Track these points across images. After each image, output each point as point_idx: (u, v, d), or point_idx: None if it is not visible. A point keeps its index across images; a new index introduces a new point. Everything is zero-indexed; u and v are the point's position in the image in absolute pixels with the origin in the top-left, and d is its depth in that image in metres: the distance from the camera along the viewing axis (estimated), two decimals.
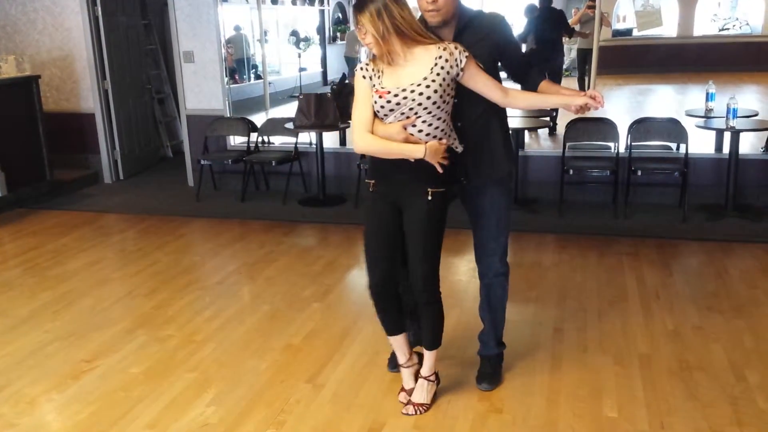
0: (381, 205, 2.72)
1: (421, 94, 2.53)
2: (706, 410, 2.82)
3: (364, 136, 2.60)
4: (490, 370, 3.09)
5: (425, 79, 2.53)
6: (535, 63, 2.93)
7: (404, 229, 2.71)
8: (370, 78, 2.61)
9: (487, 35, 2.74)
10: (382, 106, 2.58)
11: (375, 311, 2.84)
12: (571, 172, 5.56)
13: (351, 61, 12.32)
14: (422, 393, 2.89)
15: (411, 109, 2.55)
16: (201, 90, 6.67)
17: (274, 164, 6.19)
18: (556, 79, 8.16)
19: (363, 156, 3.11)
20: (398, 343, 2.90)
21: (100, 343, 3.57)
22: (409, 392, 2.91)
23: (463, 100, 2.69)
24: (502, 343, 3.15)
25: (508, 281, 3.04)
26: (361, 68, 2.64)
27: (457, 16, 2.70)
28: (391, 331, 2.87)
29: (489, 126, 2.81)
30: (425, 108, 2.55)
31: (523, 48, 9.28)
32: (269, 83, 10.94)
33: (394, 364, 3.09)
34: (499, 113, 2.84)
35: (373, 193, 2.72)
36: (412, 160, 2.58)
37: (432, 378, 2.91)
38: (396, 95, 2.55)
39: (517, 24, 8.48)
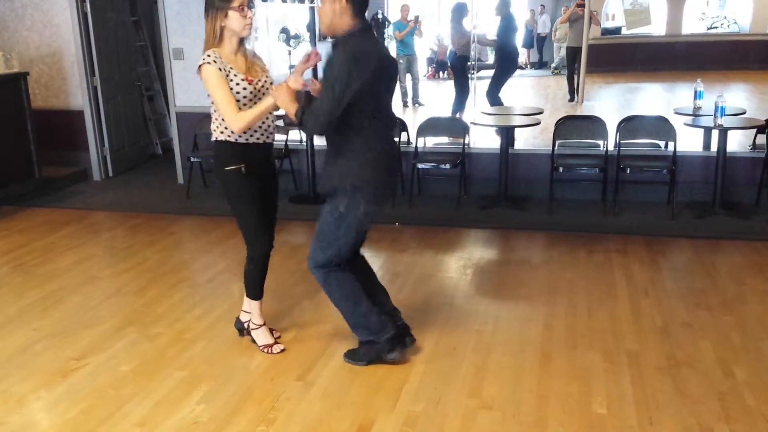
0: (255, 184, 3.20)
1: (268, 82, 3.15)
2: (695, 406, 2.84)
3: (240, 115, 3.00)
4: (356, 349, 3.28)
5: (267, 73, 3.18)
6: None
7: (267, 199, 3.32)
8: (223, 69, 3.02)
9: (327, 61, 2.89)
10: (250, 92, 3.06)
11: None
12: (560, 169, 5.58)
13: None
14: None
15: (264, 95, 3.12)
16: (190, 87, 6.63)
17: None
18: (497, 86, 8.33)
19: None
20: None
21: (89, 341, 3.55)
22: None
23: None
24: (361, 333, 3.24)
25: (333, 293, 3.17)
26: (214, 60, 3.02)
27: (340, 35, 2.89)
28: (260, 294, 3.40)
29: (342, 135, 2.93)
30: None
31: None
32: None
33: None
34: (360, 130, 2.91)
35: (246, 174, 3.14)
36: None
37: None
38: (258, 82, 3.10)
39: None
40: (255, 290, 3.39)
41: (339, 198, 3.01)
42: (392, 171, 3.25)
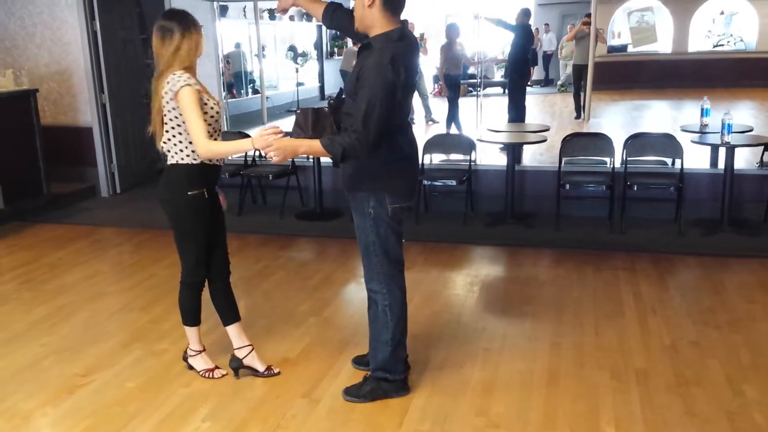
0: (208, 211, 3.14)
1: (219, 106, 3.10)
2: (704, 426, 2.82)
3: (214, 143, 2.96)
4: (357, 385, 3.10)
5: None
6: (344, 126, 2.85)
7: (217, 226, 3.23)
8: (199, 92, 2.93)
9: (360, 64, 2.76)
10: (217, 112, 3.03)
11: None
12: (567, 186, 5.58)
13: (348, 76, 12.38)
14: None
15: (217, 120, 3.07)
16: None
17: (271, 178, 6.20)
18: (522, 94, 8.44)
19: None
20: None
21: (95, 357, 3.56)
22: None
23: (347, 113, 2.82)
24: (378, 371, 3.07)
25: (389, 314, 3.01)
26: (195, 83, 2.92)
27: (374, 35, 2.76)
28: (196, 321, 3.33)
29: None
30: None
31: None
32: (267, 98, 10.99)
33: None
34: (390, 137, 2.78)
35: (206, 201, 3.10)
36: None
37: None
38: (219, 104, 3.07)
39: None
40: (192, 317, 3.30)
41: (362, 201, 2.88)
42: (414, 170, 3.03)
